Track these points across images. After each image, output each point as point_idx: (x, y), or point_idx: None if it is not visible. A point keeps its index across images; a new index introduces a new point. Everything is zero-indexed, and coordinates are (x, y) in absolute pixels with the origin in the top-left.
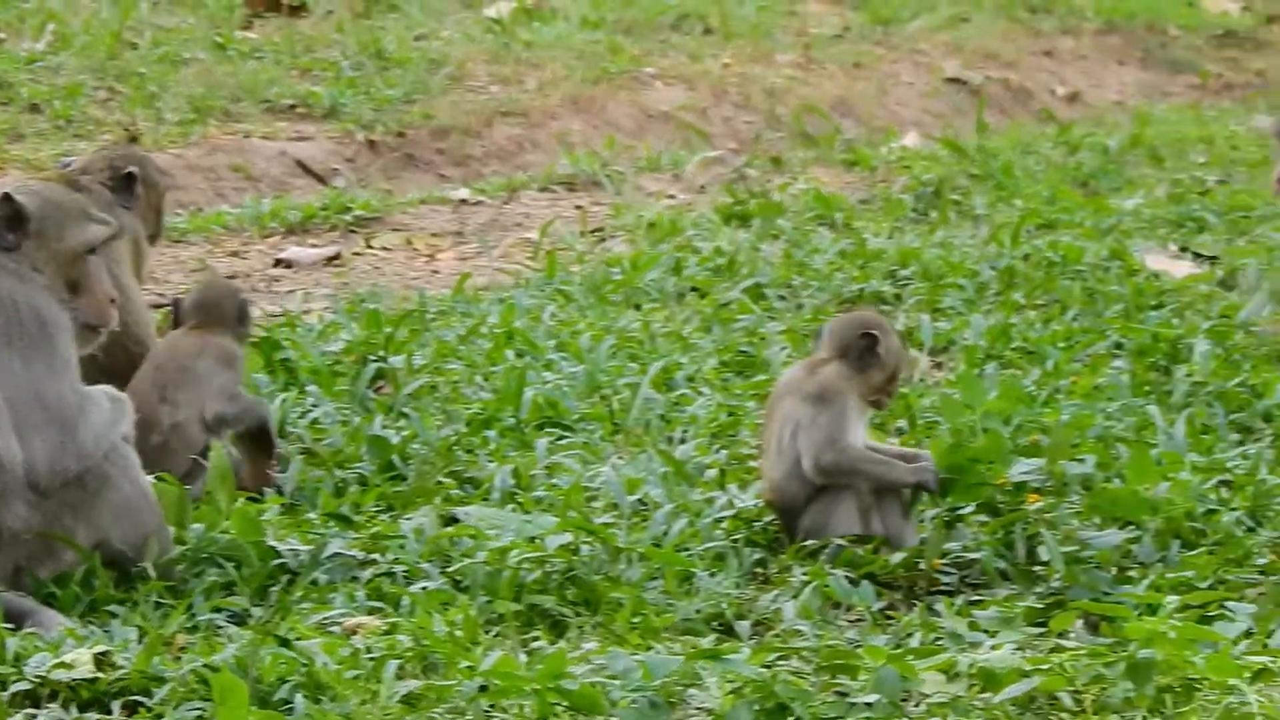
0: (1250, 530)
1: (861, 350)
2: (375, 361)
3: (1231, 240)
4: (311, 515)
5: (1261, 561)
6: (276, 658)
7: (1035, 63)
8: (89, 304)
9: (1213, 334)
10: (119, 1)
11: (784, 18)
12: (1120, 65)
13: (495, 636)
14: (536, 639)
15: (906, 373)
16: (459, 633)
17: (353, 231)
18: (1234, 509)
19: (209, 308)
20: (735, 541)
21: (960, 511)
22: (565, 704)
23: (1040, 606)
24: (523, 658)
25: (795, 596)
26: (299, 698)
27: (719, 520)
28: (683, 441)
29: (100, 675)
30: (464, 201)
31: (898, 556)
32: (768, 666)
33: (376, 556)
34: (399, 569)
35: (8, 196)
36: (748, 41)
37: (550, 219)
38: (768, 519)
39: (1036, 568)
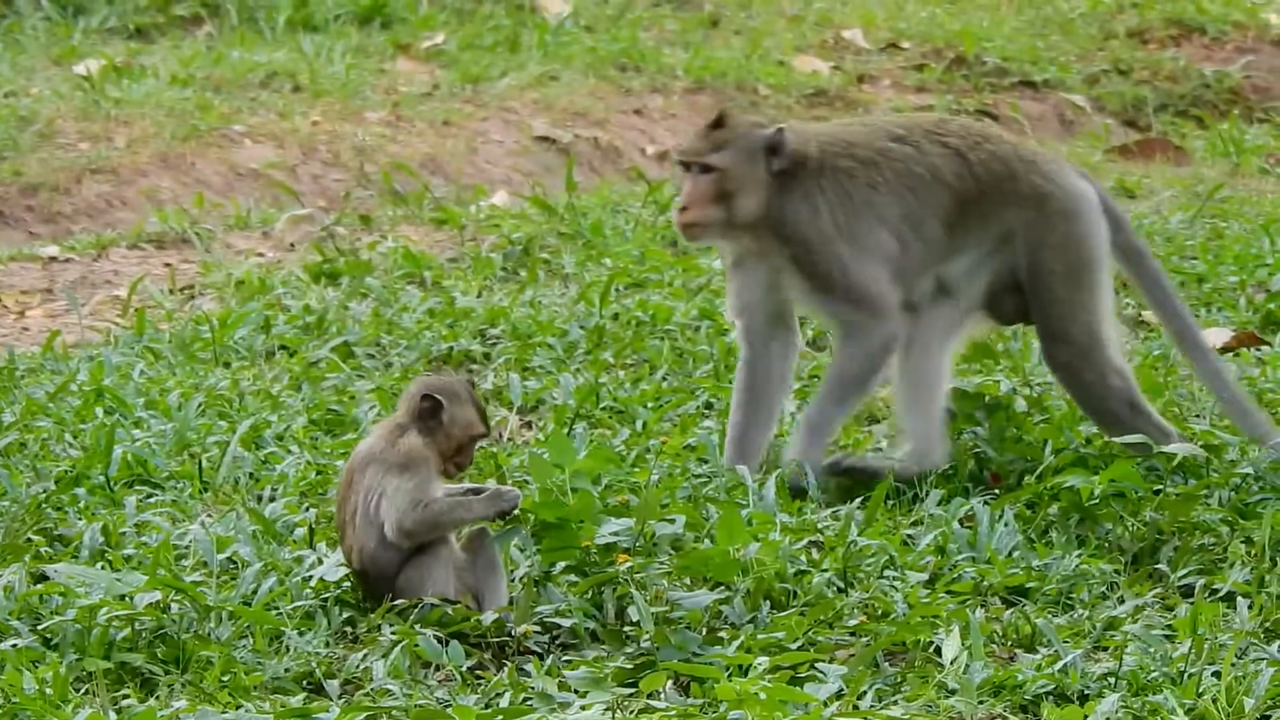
0: (841, 591)
1: (423, 413)
2: None
3: None
4: None
5: (852, 622)
6: None
7: (625, 121)
8: None
9: (802, 395)
10: None
11: (373, 75)
12: None
13: (85, 694)
14: (126, 697)
15: (487, 441)
16: (49, 690)
17: None
18: (825, 570)
19: None
20: (324, 600)
21: (550, 571)
22: None
23: (630, 667)
24: (113, 716)
25: (385, 656)
26: None
27: (308, 579)
28: (272, 500)
29: None
30: (53, 259)
31: (488, 616)
32: None
33: None
34: None
35: None
36: (337, 99)
37: (140, 276)
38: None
39: (627, 628)
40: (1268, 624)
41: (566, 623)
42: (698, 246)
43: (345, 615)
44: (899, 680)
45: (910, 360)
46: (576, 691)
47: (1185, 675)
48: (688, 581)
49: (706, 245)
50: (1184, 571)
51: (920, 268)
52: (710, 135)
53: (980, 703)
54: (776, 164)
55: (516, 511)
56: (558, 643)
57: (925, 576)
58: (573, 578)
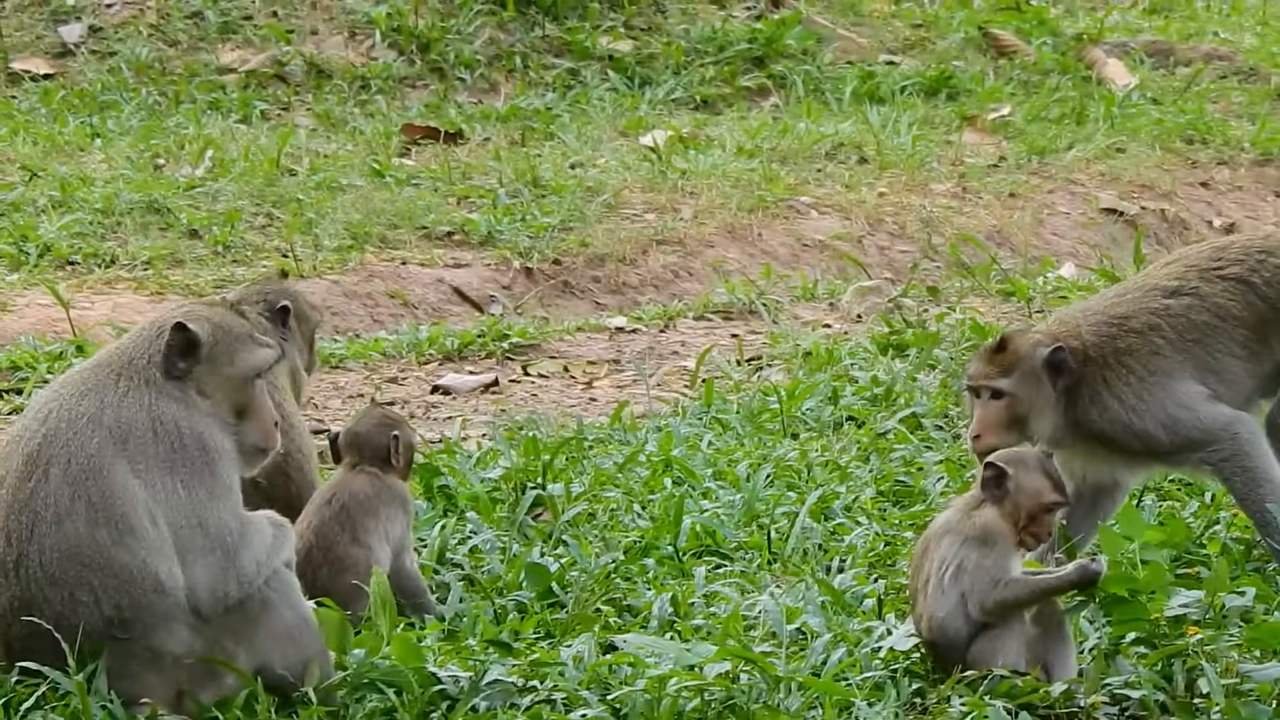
0: None
1: (986, 482)
2: (534, 489)
3: None
4: (471, 642)
5: None
6: None
7: (1191, 193)
8: (256, 427)
9: None
10: (277, 128)
11: (939, 147)
12: (1278, 197)
13: None
14: None
15: (1064, 511)
16: None
17: (510, 359)
18: None
19: (362, 444)
20: (894, 671)
21: (1119, 643)
22: None
23: None
24: None
25: None
26: None
27: (877, 650)
28: (840, 570)
29: None
30: (620, 329)
31: (1058, 688)
32: None
33: (536, 684)
34: (558, 696)
35: (181, 325)
36: (903, 171)
37: (707, 347)
38: (924, 652)
39: (1196, 700)
40: None
41: (1135, 694)
42: None
43: (915, 686)
44: None
45: None
46: None
47: None
48: (1258, 654)
49: None
50: None
51: (1242, 402)
52: (995, 359)
53: None
54: (1061, 383)
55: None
56: (1127, 714)
57: None
58: (1142, 649)
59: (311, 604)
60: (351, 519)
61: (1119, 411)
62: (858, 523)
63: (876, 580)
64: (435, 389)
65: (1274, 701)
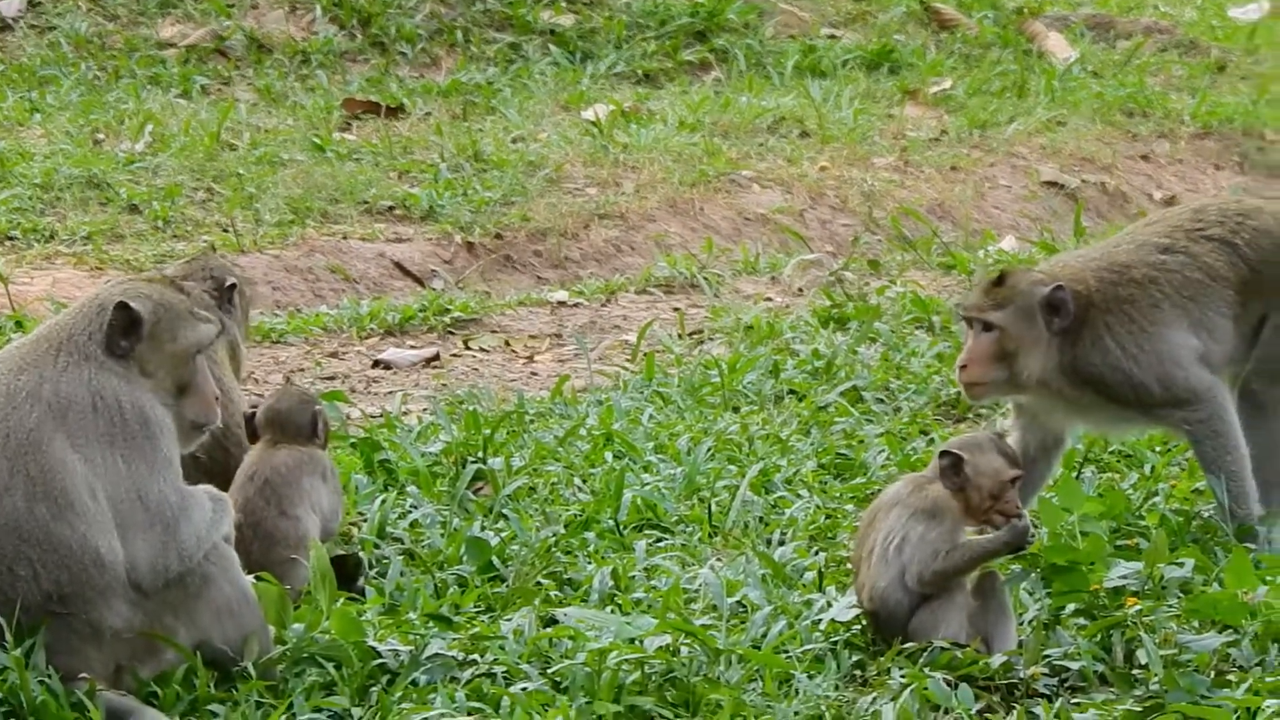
0: None
1: (944, 471)
2: (474, 463)
3: None
4: (411, 616)
5: None
6: None
7: (1132, 166)
8: (196, 403)
9: None
10: (217, 103)
11: (881, 121)
12: (1217, 169)
13: None
14: None
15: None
16: None
17: (451, 333)
18: None
19: (284, 421)
20: (834, 643)
21: (1059, 614)
22: None
23: (1138, 710)
24: None
25: (894, 699)
26: None
27: (817, 622)
28: (781, 544)
29: None
30: (562, 303)
31: (997, 659)
32: None
33: (476, 657)
34: (499, 670)
35: (123, 304)
36: (844, 145)
37: (648, 321)
38: (865, 624)
39: (1135, 671)
40: None
41: (1075, 665)
42: (981, 405)
43: (855, 658)
44: None
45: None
46: None
47: None
48: (1196, 625)
49: (991, 402)
50: None
51: (1224, 361)
52: (992, 291)
53: None
54: (1058, 323)
55: (1030, 543)
56: (1066, 685)
57: None
58: (1082, 621)
59: (251, 579)
60: (276, 493)
61: (1120, 359)
62: (798, 496)
63: (817, 553)
64: (376, 363)
65: (1212, 672)
